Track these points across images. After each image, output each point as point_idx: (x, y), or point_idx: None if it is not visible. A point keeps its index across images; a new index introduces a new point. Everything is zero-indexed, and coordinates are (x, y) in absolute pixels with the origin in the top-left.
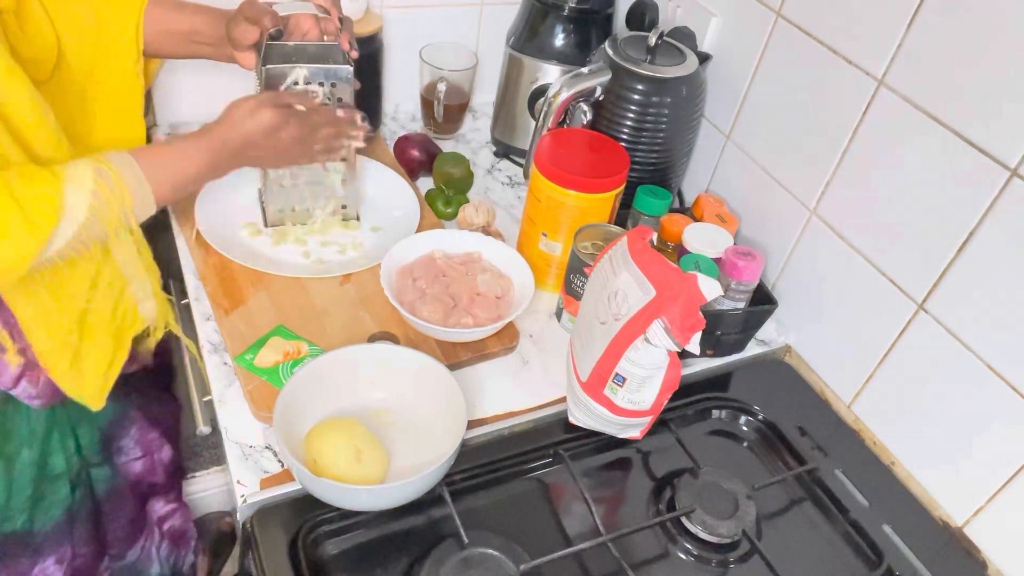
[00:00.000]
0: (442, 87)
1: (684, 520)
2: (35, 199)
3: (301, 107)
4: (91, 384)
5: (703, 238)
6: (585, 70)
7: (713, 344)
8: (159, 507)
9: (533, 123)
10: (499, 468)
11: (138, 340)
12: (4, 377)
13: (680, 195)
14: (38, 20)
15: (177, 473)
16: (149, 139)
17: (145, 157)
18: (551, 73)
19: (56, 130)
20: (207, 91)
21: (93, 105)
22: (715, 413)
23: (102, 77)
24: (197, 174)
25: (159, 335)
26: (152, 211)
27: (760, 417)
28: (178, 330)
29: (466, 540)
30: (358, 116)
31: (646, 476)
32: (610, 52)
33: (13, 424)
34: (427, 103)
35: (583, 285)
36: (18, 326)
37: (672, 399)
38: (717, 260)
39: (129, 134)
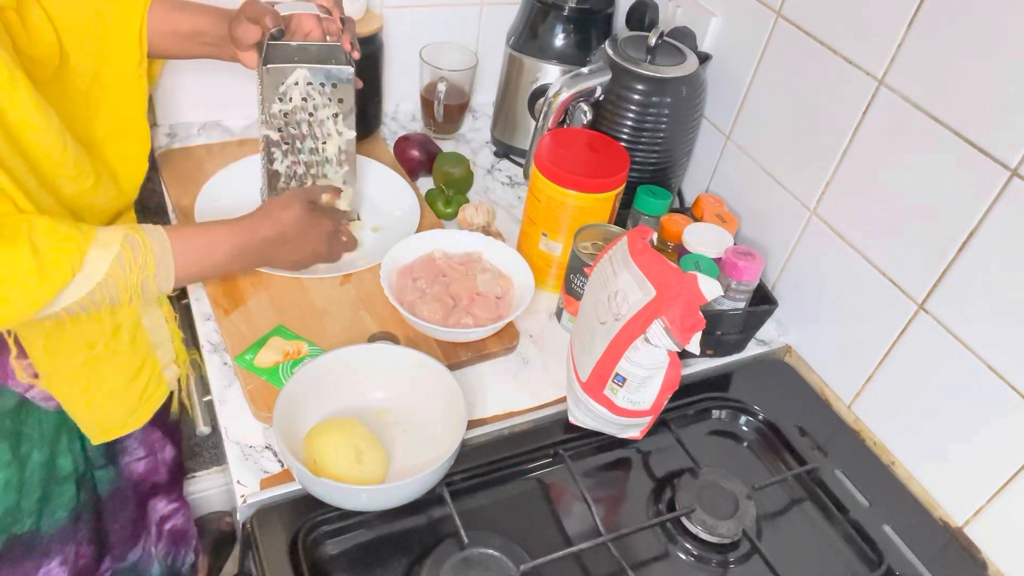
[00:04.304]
0: (442, 87)
1: (684, 520)
2: (55, 251)
3: (324, 203)
4: (97, 428)
5: (703, 238)
6: (585, 70)
7: (713, 344)
8: (161, 507)
9: (533, 123)
10: (499, 468)
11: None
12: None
13: (680, 195)
14: (38, 20)
15: (179, 472)
16: (151, 140)
17: (177, 236)
18: (551, 73)
19: (61, 131)
20: (208, 91)
21: (97, 107)
22: (715, 413)
23: (106, 79)
24: (224, 261)
25: (176, 402)
26: (169, 288)
27: (760, 417)
28: (187, 397)
29: (466, 540)
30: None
31: (646, 476)
32: (610, 52)
33: (26, 427)
34: (427, 103)
35: (583, 285)
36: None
37: (672, 399)
38: (717, 260)
39: (133, 135)
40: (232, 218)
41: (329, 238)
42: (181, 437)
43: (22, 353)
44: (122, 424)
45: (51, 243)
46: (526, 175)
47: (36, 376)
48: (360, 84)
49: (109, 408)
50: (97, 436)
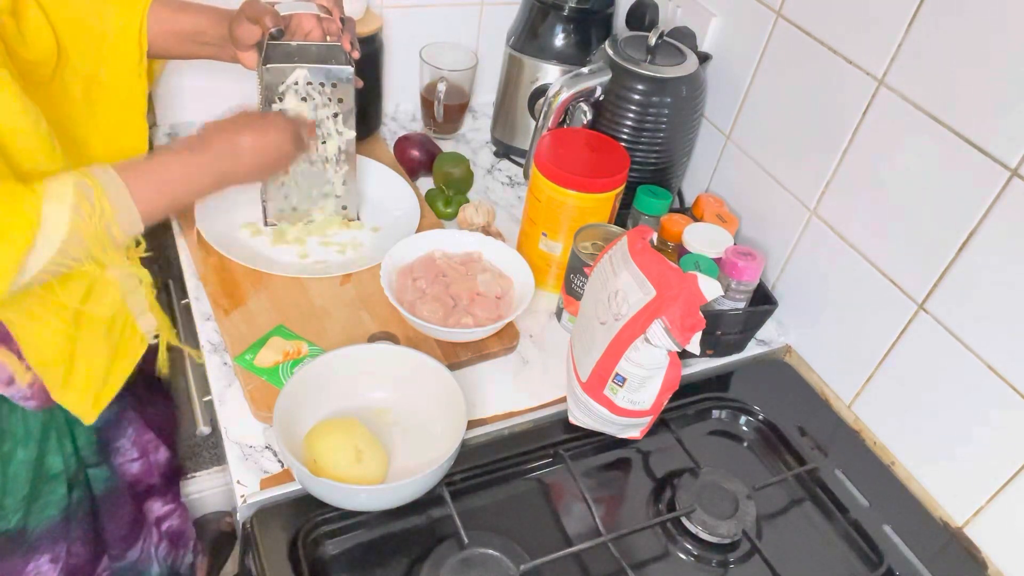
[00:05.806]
0: (442, 87)
1: (684, 520)
2: (10, 215)
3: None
4: (83, 397)
5: (703, 238)
6: (585, 70)
7: (713, 344)
8: (157, 508)
9: (533, 123)
10: (499, 468)
11: (148, 359)
12: None
13: (680, 195)
14: (36, 22)
15: (174, 475)
16: (151, 140)
17: (127, 170)
18: (551, 73)
19: (48, 136)
20: (208, 91)
21: (96, 107)
22: (715, 413)
23: (105, 78)
24: (184, 184)
25: (163, 352)
26: (139, 227)
27: (760, 417)
28: (179, 342)
29: (466, 540)
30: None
31: (646, 476)
32: (610, 52)
33: (8, 424)
34: (427, 103)
35: (583, 285)
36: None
37: (672, 399)
38: (717, 260)
39: (131, 135)
40: (182, 140)
41: (286, 132)
42: (176, 440)
43: None
44: (102, 384)
45: (4, 208)
46: (526, 175)
47: (11, 382)
48: (360, 84)
49: (88, 374)
50: (87, 412)
